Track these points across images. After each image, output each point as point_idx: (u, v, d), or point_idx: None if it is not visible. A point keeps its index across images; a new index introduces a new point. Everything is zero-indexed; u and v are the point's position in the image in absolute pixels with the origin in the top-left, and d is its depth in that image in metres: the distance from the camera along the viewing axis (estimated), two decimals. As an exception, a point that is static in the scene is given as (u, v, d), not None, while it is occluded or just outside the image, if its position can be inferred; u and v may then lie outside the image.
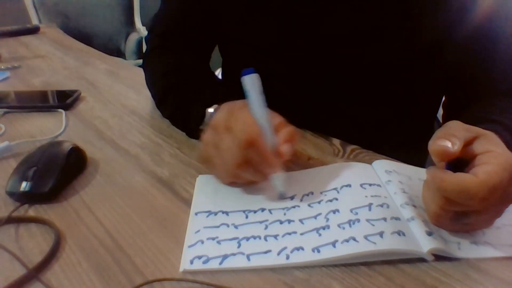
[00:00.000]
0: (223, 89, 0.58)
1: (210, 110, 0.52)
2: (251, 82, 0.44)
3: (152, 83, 0.68)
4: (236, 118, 0.42)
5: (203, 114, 0.52)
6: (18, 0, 2.15)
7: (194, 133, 0.54)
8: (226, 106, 0.46)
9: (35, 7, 2.17)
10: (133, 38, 2.40)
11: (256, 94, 0.43)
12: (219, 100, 0.51)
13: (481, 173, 0.34)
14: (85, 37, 2.07)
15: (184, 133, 0.59)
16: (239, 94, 0.46)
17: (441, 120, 0.73)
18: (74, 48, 1.11)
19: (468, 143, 0.37)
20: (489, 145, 0.36)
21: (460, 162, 0.36)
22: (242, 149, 0.40)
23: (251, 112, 0.43)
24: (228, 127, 0.42)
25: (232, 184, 0.46)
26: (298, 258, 0.36)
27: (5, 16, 2.09)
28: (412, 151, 0.56)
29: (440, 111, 0.71)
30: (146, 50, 0.73)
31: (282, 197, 0.44)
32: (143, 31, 2.39)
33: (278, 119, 0.45)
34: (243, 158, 0.41)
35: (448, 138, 0.36)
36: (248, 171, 0.43)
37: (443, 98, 0.68)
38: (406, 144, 0.66)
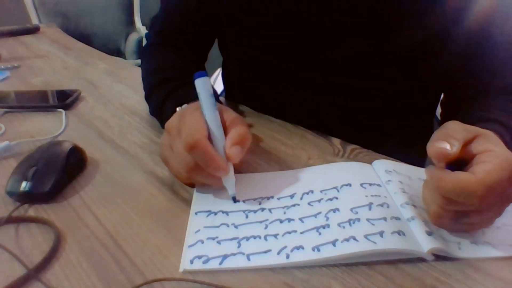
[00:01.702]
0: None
1: (179, 109, 0.52)
2: (202, 85, 0.44)
3: (142, 80, 0.69)
4: (185, 121, 0.43)
5: (174, 112, 0.52)
6: (18, 0, 2.15)
7: None
8: (183, 109, 0.47)
9: (35, 7, 2.17)
10: (133, 38, 2.40)
11: (207, 96, 0.43)
12: (193, 99, 0.51)
13: (479, 171, 0.34)
14: (85, 37, 2.07)
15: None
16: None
17: (439, 118, 0.73)
18: (74, 48, 1.11)
19: (467, 143, 0.37)
20: (488, 144, 0.36)
21: (459, 162, 0.36)
22: (188, 153, 0.41)
23: (202, 114, 0.43)
24: (179, 130, 0.42)
25: (190, 185, 0.46)
26: (298, 257, 0.36)
27: (5, 16, 2.09)
28: (412, 149, 0.56)
29: (439, 109, 0.71)
30: (144, 46, 0.74)
31: (234, 200, 0.44)
32: (143, 31, 2.39)
33: (231, 117, 0.45)
34: (192, 161, 0.41)
35: (446, 140, 0.36)
36: (200, 174, 0.43)
37: (441, 96, 0.68)
38: (405, 142, 0.67)
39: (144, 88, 0.67)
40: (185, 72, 0.64)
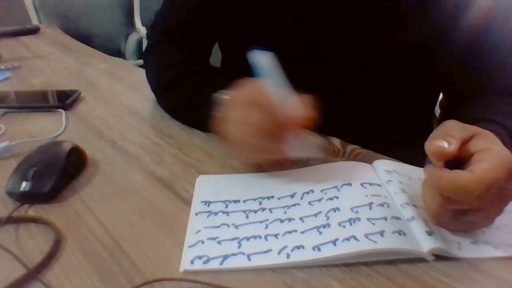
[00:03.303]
0: (227, 78, 0.58)
1: (221, 95, 0.51)
2: (266, 61, 0.43)
3: (156, 75, 0.68)
4: (260, 93, 0.43)
5: (214, 98, 0.51)
6: (18, 0, 2.15)
7: (202, 119, 0.54)
8: (243, 86, 0.46)
9: (35, 7, 2.17)
10: (133, 38, 2.40)
11: (275, 73, 0.44)
12: (226, 86, 0.50)
13: (478, 170, 0.34)
14: (85, 38, 2.07)
15: (184, 133, 0.59)
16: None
17: (438, 117, 0.73)
18: (74, 48, 1.11)
19: (465, 142, 0.37)
20: (486, 143, 0.36)
21: (457, 161, 0.36)
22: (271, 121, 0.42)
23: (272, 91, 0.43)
24: (254, 102, 0.43)
25: (256, 164, 0.48)
26: (298, 257, 0.36)
27: (5, 16, 2.09)
28: (411, 147, 0.56)
29: (437, 109, 0.71)
30: (147, 45, 0.74)
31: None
32: (143, 31, 2.39)
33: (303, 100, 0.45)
34: (268, 125, 0.42)
35: (444, 138, 0.36)
36: (274, 142, 0.43)
37: (440, 96, 0.68)
38: (404, 139, 0.67)
39: (160, 84, 0.66)
40: (200, 66, 0.65)
